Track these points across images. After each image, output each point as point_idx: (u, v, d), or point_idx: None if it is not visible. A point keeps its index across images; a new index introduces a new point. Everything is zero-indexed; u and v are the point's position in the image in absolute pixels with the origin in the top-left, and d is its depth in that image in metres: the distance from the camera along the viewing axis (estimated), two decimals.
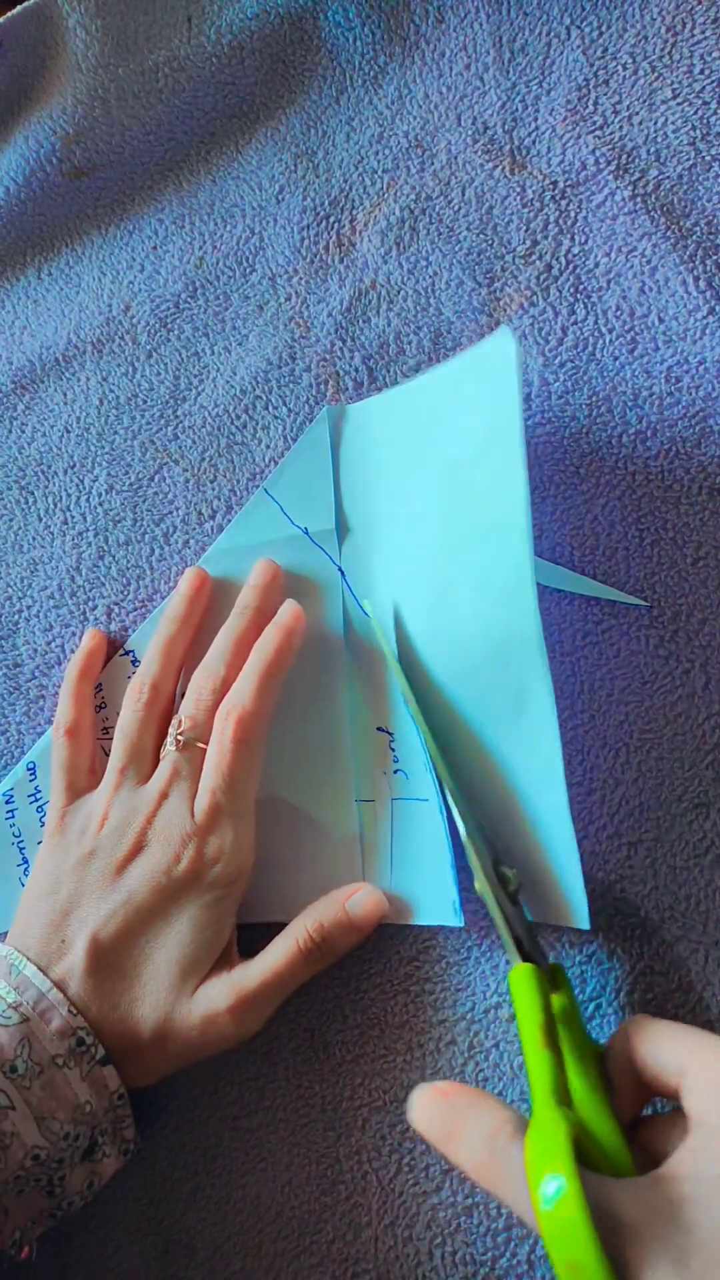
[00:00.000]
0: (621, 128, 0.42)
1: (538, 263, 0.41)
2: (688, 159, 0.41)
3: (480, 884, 0.32)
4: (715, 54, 0.41)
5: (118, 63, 0.46)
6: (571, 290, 0.41)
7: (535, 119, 0.43)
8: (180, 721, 0.35)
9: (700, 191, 0.40)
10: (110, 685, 0.40)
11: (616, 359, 0.39)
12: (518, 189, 0.42)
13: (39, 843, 0.37)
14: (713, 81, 0.41)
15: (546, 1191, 0.22)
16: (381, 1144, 0.34)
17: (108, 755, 0.37)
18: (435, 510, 0.36)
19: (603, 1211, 0.22)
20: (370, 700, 0.37)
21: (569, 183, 0.42)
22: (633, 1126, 0.28)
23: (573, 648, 0.37)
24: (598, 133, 0.42)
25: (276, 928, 0.34)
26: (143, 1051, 0.32)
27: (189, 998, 0.32)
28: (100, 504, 0.43)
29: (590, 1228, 0.21)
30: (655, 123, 0.41)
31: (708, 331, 0.39)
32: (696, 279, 0.39)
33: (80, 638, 0.41)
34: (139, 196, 0.47)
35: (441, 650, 0.36)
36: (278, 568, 0.39)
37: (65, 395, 0.45)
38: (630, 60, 0.42)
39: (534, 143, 0.43)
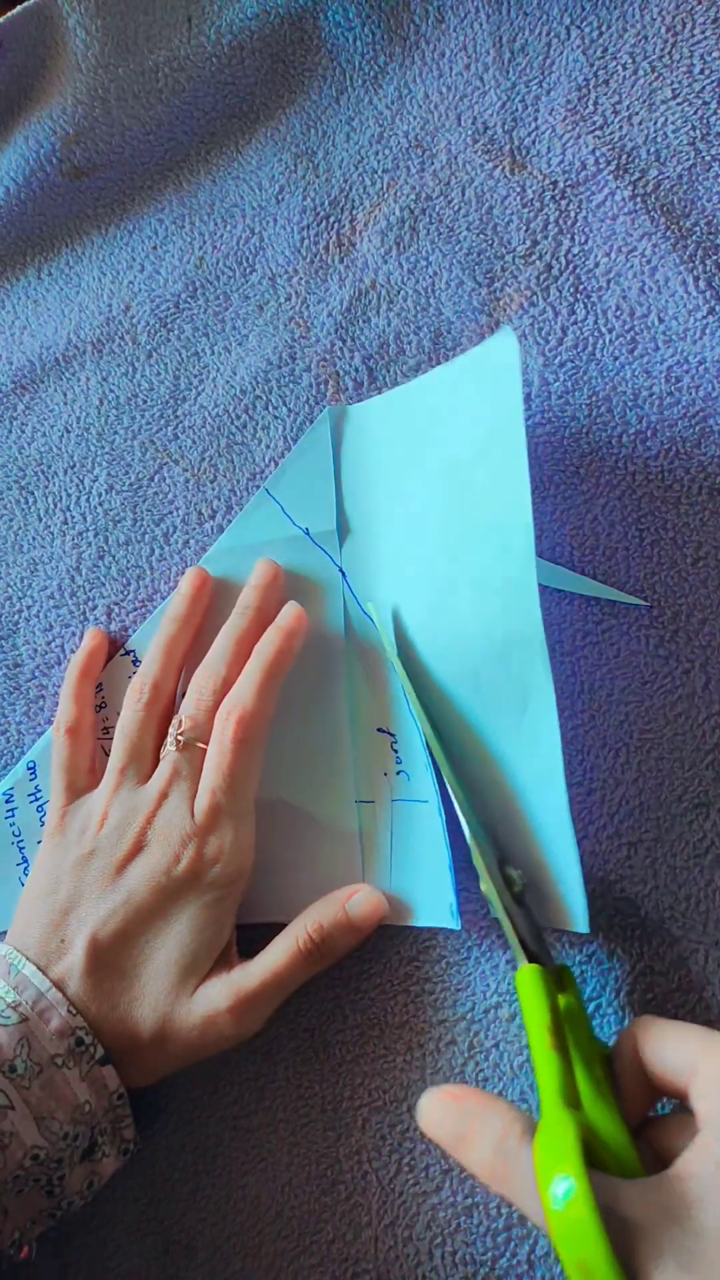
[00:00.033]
0: (621, 128, 0.42)
1: (538, 263, 0.41)
2: (688, 159, 0.41)
3: (486, 885, 0.32)
4: (715, 54, 0.41)
5: (118, 63, 0.46)
6: (571, 290, 0.41)
7: (535, 119, 0.43)
8: (180, 721, 0.35)
9: (700, 191, 0.40)
10: (111, 685, 0.40)
11: (616, 359, 0.39)
12: (518, 189, 0.42)
13: (39, 842, 0.37)
14: (713, 81, 0.41)
15: (556, 1192, 0.22)
16: (381, 1144, 0.34)
17: (108, 755, 0.37)
18: (436, 510, 0.36)
19: (611, 1212, 0.22)
20: (370, 701, 0.37)
21: (569, 183, 0.42)
22: (641, 1127, 0.28)
23: (573, 648, 0.37)
24: (598, 133, 0.42)
25: (276, 928, 0.34)
26: (142, 1051, 0.32)
27: (188, 998, 0.32)
28: (100, 504, 0.43)
29: (600, 1228, 0.21)
30: (655, 123, 0.41)
31: (708, 331, 0.39)
32: (696, 279, 0.39)
33: (80, 638, 0.41)
34: (139, 196, 0.47)
35: (442, 650, 0.36)
36: (279, 568, 0.39)
37: (65, 395, 0.45)
38: (630, 60, 0.42)
39: (534, 143, 0.43)
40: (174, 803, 0.34)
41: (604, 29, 0.43)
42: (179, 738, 0.35)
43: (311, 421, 0.42)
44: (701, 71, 0.41)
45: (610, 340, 0.40)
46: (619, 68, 0.42)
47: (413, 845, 0.36)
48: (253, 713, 0.34)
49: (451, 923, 0.34)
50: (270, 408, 0.42)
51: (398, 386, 0.40)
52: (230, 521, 0.41)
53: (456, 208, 0.43)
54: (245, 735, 0.34)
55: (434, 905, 0.35)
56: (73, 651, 0.41)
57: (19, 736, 0.41)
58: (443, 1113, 0.26)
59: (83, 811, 0.36)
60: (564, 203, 0.42)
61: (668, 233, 0.40)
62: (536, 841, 0.33)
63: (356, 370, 0.42)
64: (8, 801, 0.39)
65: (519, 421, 0.33)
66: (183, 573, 0.40)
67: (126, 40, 0.47)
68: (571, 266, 0.41)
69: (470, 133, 0.43)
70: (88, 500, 0.43)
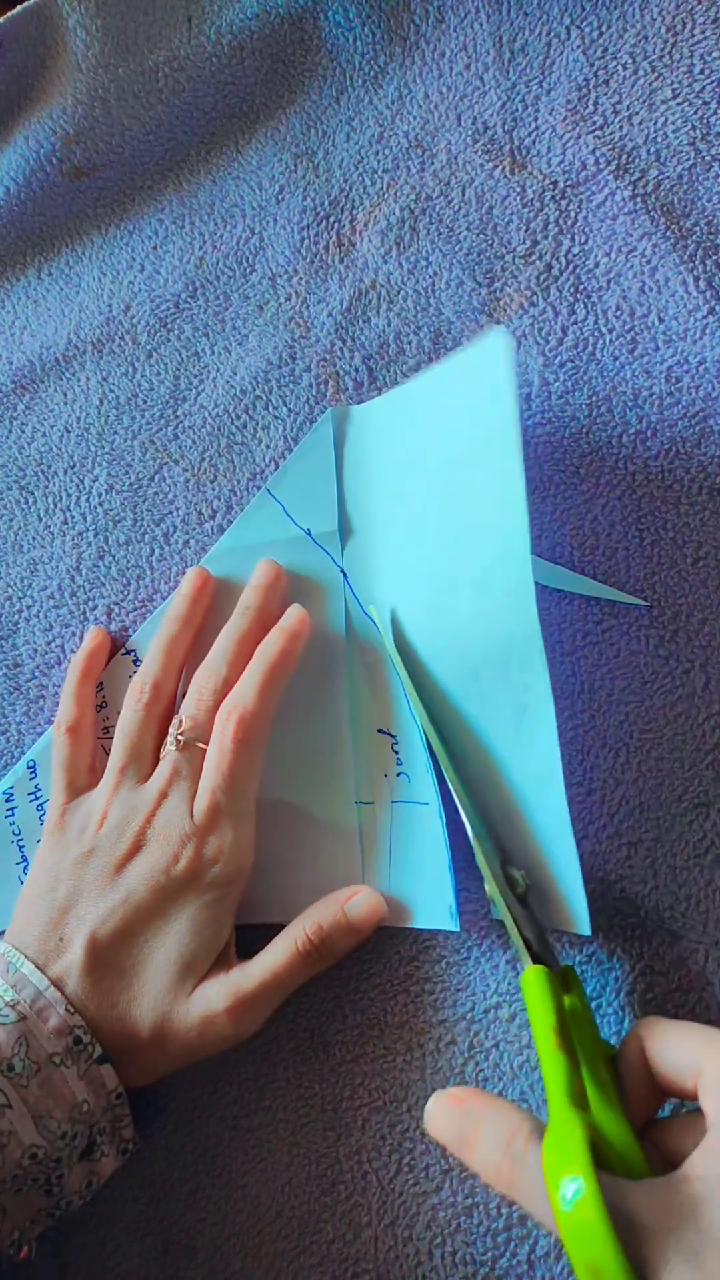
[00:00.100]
0: (621, 128, 0.42)
1: (538, 263, 0.41)
2: (688, 159, 0.41)
3: (490, 886, 0.32)
4: (715, 54, 0.41)
5: (118, 63, 0.46)
6: (571, 290, 0.41)
7: (535, 119, 0.43)
8: (181, 721, 0.35)
9: (700, 191, 0.40)
10: (111, 685, 0.40)
11: (616, 359, 0.39)
12: (518, 189, 0.42)
13: (38, 841, 0.37)
14: (713, 81, 0.41)
15: (566, 1193, 0.22)
16: (381, 1144, 0.34)
17: (108, 755, 0.37)
18: (435, 511, 0.36)
19: (618, 1212, 0.22)
20: (371, 702, 0.37)
21: (569, 183, 0.42)
22: (646, 1128, 0.28)
23: (573, 648, 0.37)
24: (598, 133, 0.42)
25: (276, 928, 0.34)
26: (140, 1051, 0.32)
27: (187, 998, 0.32)
28: (100, 504, 0.43)
29: (610, 1228, 0.21)
30: (655, 123, 0.41)
31: (708, 331, 0.39)
32: (696, 279, 0.39)
33: (80, 638, 0.41)
34: (139, 196, 0.47)
35: (441, 651, 0.36)
36: (280, 568, 0.39)
37: (65, 395, 0.45)
38: (630, 60, 0.42)
39: (534, 143, 0.43)
40: (173, 802, 0.34)
41: (604, 29, 0.43)
42: (179, 737, 0.35)
43: (312, 421, 0.42)
44: (701, 71, 0.41)
45: (610, 340, 0.40)
46: (619, 68, 0.42)
47: (413, 847, 0.36)
48: (253, 713, 0.34)
49: (451, 924, 0.34)
50: (270, 408, 0.42)
51: (397, 387, 0.40)
52: (230, 521, 0.41)
53: (456, 208, 0.43)
54: (245, 735, 0.34)
55: (433, 907, 0.35)
56: (73, 651, 0.41)
57: (19, 736, 0.41)
58: (448, 1115, 0.27)
59: (82, 810, 0.36)
60: (564, 203, 0.42)
61: (668, 233, 0.40)
62: (536, 843, 0.33)
63: (356, 370, 0.42)
64: (8, 800, 0.39)
65: (514, 421, 0.33)
66: (183, 573, 0.40)
67: (126, 40, 0.47)
68: (571, 266, 0.41)
69: (470, 133, 0.43)
70: (88, 500, 0.43)
